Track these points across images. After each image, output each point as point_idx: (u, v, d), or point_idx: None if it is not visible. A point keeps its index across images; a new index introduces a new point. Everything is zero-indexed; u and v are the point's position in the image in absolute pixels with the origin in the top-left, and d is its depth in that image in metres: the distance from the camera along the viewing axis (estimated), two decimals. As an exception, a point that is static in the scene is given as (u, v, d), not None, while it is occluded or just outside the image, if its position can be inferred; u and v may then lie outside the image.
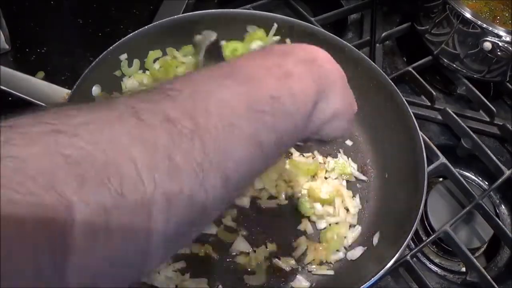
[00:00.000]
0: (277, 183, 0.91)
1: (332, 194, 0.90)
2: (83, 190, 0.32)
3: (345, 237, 0.88)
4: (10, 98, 0.99)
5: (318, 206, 0.89)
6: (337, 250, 0.87)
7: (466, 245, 0.92)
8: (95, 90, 0.92)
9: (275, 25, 1.02)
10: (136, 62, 0.98)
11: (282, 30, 1.03)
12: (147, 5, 1.22)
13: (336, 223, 0.89)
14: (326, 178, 0.94)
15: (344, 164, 0.95)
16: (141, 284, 0.77)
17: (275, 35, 1.02)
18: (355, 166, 0.97)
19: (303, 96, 0.50)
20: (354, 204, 0.92)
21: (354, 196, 0.93)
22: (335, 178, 0.94)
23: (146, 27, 0.96)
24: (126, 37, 0.94)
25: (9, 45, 1.08)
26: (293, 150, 0.96)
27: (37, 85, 0.91)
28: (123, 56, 0.95)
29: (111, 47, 0.92)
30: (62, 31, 1.16)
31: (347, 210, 0.91)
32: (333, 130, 0.60)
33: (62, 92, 0.89)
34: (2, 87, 0.89)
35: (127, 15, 1.20)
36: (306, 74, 0.52)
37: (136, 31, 0.95)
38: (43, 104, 0.88)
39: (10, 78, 0.90)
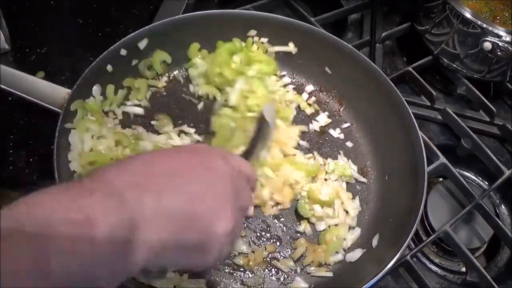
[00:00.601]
0: (284, 188, 0.90)
1: (332, 196, 0.90)
2: None
3: (344, 239, 0.88)
4: (10, 98, 0.99)
5: (317, 208, 0.89)
6: (336, 252, 0.87)
7: (466, 245, 0.92)
8: (95, 90, 0.92)
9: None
10: (134, 62, 0.98)
11: (283, 31, 1.03)
12: (147, 5, 1.22)
13: (336, 225, 0.89)
14: (326, 179, 0.94)
15: (344, 166, 0.95)
16: (139, 284, 0.77)
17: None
18: (355, 168, 0.97)
19: (106, 241, 0.46)
20: (354, 206, 0.92)
21: (353, 198, 0.93)
22: (335, 180, 0.94)
23: (146, 27, 0.96)
24: (126, 37, 0.94)
25: (9, 45, 1.08)
26: (297, 151, 0.96)
27: (38, 84, 0.91)
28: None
29: (111, 47, 0.92)
30: (62, 31, 1.16)
31: (347, 212, 0.91)
32: (176, 261, 0.56)
33: (62, 92, 0.89)
34: (2, 86, 0.89)
35: (127, 15, 1.20)
36: (112, 212, 0.47)
37: (136, 31, 0.95)
38: (43, 103, 0.88)
39: (11, 77, 0.90)
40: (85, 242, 0.45)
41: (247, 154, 0.77)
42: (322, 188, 0.91)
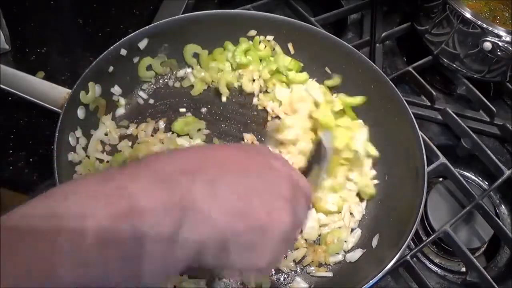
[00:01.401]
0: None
1: (339, 204, 0.89)
2: None
3: (345, 242, 0.88)
4: (10, 98, 0.99)
5: (322, 216, 0.88)
6: (337, 253, 0.87)
7: (466, 245, 0.92)
8: (96, 90, 0.92)
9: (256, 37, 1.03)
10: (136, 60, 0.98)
11: (283, 31, 1.03)
12: (147, 5, 1.22)
13: (339, 227, 0.89)
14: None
15: (366, 184, 0.92)
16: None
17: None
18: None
19: (150, 233, 0.42)
20: (360, 209, 0.91)
21: (361, 200, 0.92)
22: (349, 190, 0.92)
23: (146, 27, 0.96)
24: (127, 37, 0.94)
25: (9, 45, 1.08)
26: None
27: (38, 84, 0.91)
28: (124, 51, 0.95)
29: (111, 47, 0.92)
30: (62, 31, 1.16)
31: (351, 213, 0.90)
32: (225, 260, 0.49)
33: (63, 92, 0.89)
34: (2, 86, 0.89)
35: (127, 15, 1.20)
36: (159, 198, 0.44)
37: (136, 31, 0.95)
38: (43, 103, 0.88)
39: (11, 77, 0.90)
40: (128, 236, 0.41)
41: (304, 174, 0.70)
42: (328, 196, 0.88)
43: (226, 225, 0.47)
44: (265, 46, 1.04)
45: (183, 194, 0.45)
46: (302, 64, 1.03)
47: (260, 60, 1.03)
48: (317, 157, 0.72)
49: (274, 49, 1.04)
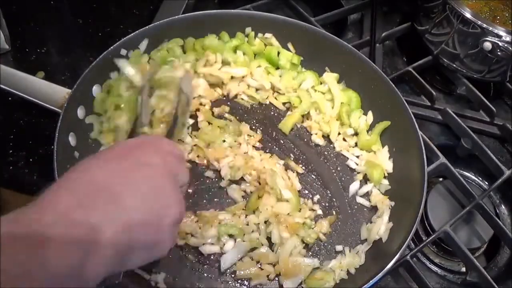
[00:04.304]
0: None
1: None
2: None
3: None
4: (10, 98, 0.99)
5: None
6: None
7: (466, 245, 0.92)
8: (95, 90, 0.92)
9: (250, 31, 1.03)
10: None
11: (283, 31, 1.03)
12: (147, 5, 1.22)
13: None
14: None
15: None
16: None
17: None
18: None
19: (59, 264, 0.47)
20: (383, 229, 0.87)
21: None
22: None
23: (146, 27, 0.96)
24: (126, 37, 0.94)
25: (9, 45, 1.08)
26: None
27: (38, 84, 0.91)
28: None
29: (111, 47, 0.92)
30: (62, 31, 1.17)
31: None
32: (137, 259, 0.57)
33: (62, 92, 0.89)
34: (2, 86, 0.89)
35: (127, 15, 1.20)
36: (67, 232, 0.48)
37: (136, 31, 0.95)
38: (43, 103, 0.88)
39: (11, 77, 0.90)
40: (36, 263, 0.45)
41: (172, 130, 0.79)
42: None
43: (132, 240, 0.54)
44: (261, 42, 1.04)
45: (85, 227, 0.50)
46: (302, 58, 1.04)
47: (254, 56, 1.03)
48: (181, 106, 0.79)
49: (272, 44, 1.04)
